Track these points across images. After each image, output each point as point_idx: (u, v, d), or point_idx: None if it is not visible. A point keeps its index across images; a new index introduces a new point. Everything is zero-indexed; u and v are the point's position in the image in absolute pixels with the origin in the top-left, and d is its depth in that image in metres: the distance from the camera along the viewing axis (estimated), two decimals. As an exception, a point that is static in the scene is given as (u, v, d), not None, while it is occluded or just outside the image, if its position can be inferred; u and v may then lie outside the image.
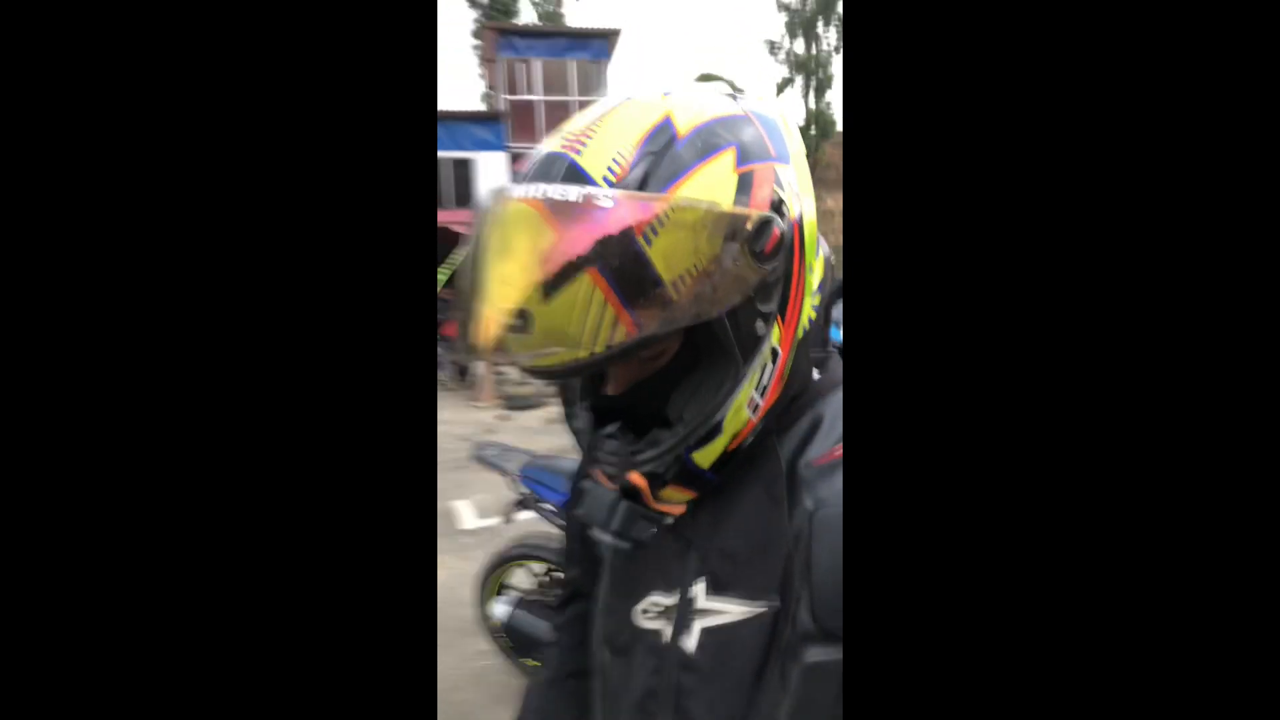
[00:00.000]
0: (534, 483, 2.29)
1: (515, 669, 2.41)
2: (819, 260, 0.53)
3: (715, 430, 0.49)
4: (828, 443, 0.52)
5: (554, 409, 7.22)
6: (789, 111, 0.55)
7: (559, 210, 0.42)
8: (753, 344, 0.48)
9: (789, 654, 0.48)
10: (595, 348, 0.42)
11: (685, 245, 0.42)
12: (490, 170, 14.54)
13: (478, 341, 0.44)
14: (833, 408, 0.54)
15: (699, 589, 0.52)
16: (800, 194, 0.50)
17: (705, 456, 0.50)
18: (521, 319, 0.42)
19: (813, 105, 20.89)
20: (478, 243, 0.45)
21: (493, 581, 2.47)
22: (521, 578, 2.49)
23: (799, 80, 20.84)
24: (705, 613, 0.52)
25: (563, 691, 0.67)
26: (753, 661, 0.50)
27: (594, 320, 0.41)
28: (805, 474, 0.51)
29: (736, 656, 0.51)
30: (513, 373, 8.96)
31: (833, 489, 0.49)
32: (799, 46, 21.07)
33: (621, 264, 0.41)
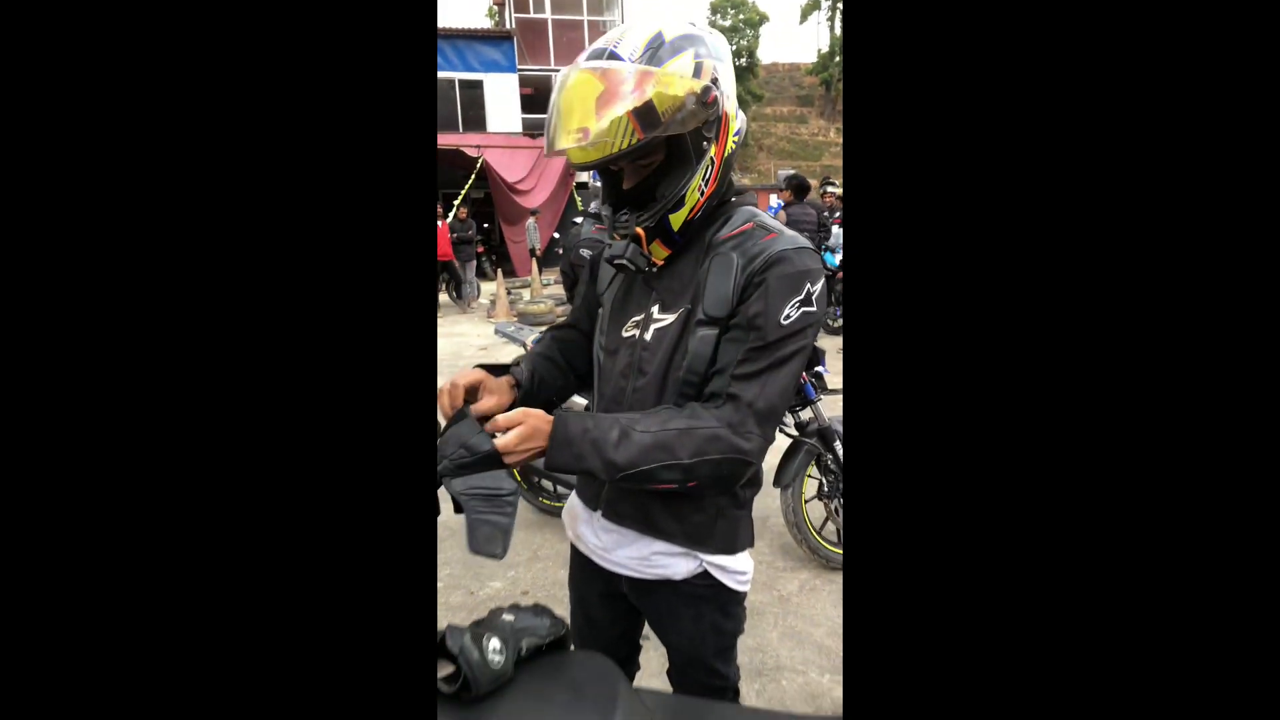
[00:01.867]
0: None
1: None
2: (735, 116, 0.90)
3: (680, 202, 0.88)
4: (729, 229, 0.91)
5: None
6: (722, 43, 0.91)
7: (606, 74, 0.80)
8: (700, 153, 0.87)
9: (689, 332, 0.89)
10: (622, 146, 0.79)
11: (669, 94, 0.80)
12: (500, 93, 14.26)
13: (559, 148, 0.82)
14: (739, 215, 0.92)
15: (655, 308, 0.94)
16: (723, 76, 0.87)
17: (675, 220, 0.89)
18: (583, 134, 0.79)
19: (838, 33, 20.11)
20: (558, 92, 0.83)
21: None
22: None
23: (825, 5, 20.02)
24: (657, 320, 0.93)
25: (550, 355, 1.09)
26: (674, 338, 0.91)
27: (623, 133, 0.79)
28: (713, 242, 0.91)
29: (667, 337, 0.91)
30: (526, 294, 9.27)
31: (725, 249, 0.88)
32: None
33: (637, 103, 0.79)
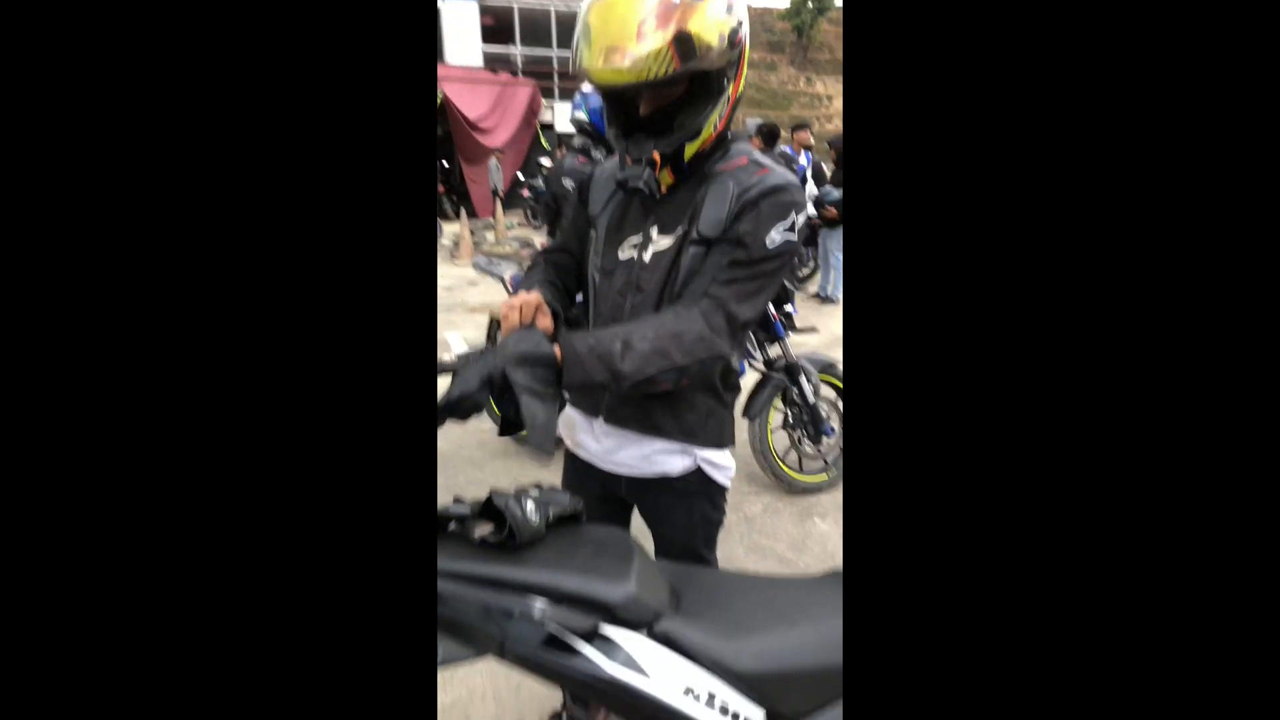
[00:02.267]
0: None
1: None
2: (746, 62, 0.96)
3: (697, 133, 0.94)
4: (726, 162, 0.98)
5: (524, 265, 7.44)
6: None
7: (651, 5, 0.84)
8: (721, 90, 0.93)
9: (684, 250, 0.97)
10: (660, 74, 0.84)
11: (706, 29, 0.85)
12: (459, 21, 13.52)
13: (592, 67, 0.85)
14: (735, 151, 1.00)
15: (654, 230, 1.00)
16: (744, 18, 0.92)
17: (689, 150, 0.95)
18: (620, 54, 0.83)
19: None
20: (591, 10, 0.86)
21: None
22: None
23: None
24: (655, 242, 1.00)
25: (553, 281, 1.12)
26: (672, 258, 0.98)
27: (662, 61, 0.83)
28: (710, 173, 0.98)
29: (665, 258, 0.99)
30: (490, 235, 9.09)
31: (723, 178, 0.96)
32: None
33: (679, 34, 0.83)
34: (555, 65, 15.08)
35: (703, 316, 0.92)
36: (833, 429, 2.49)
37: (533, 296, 0.92)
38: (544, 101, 13.20)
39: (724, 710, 0.69)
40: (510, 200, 11.46)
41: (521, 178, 12.01)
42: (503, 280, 2.79)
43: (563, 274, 1.14)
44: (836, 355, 2.68)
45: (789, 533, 2.31)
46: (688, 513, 1.12)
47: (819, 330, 4.49)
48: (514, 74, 13.51)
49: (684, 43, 0.83)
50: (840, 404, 2.53)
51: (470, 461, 2.83)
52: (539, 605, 0.65)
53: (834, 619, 0.77)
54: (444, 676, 1.57)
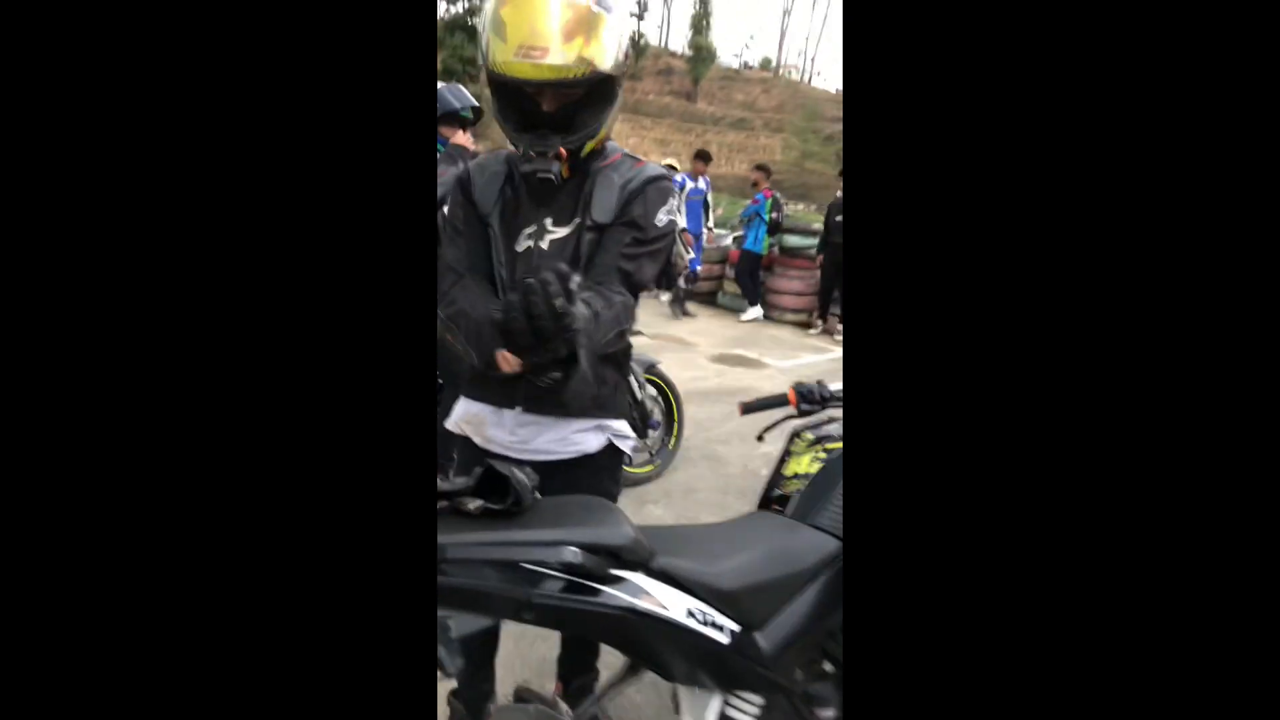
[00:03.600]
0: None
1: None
2: None
3: (596, 131, 1.03)
4: (604, 159, 1.09)
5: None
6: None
7: (573, 4, 0.92)
8: (615, 95, 1.04)
9: (582, 239, 1.06)
10: (578, 75, 0.93)
11: (617, 39, 0.96)
12: None
13: (507, 61, 0.92)
14: (609, 148, 1.10)
15: (548, 221, 1.08)
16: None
17: (588, 147, 1.04)
18: (541, 52, 0.91)
19: (692, 34, 20.43)
20: (505, 5, 0.92)
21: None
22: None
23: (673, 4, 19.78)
24: (551, 232, 1.08)
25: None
26: (570, 249, 1.06)
27: (580, 63, 0.93)
28: (593, 170, 1.08)
29: (564, 248, 1.07)
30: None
31: (604, 171, 1.07)
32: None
33: (598, 39, 0.93)
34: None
35: (622, 289, 1.04)
36: (657, 422, 2.73)
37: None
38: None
39: (715, 625, 0.80)
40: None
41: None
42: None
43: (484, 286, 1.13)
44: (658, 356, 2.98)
45: (741, 455, 2.83)
46: (593, 489, 1.19)
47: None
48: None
49: (600, 50, 0.94)
50: (660, 400, 2.79)
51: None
52: (571, 550, 0.69)
53: (770, 542, 0.93)
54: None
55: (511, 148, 1.10)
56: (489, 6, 0.95)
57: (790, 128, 17.00)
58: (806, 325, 6.17)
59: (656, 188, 1.08)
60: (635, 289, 1.07)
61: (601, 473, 1.18)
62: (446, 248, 1.11)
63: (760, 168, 6.55)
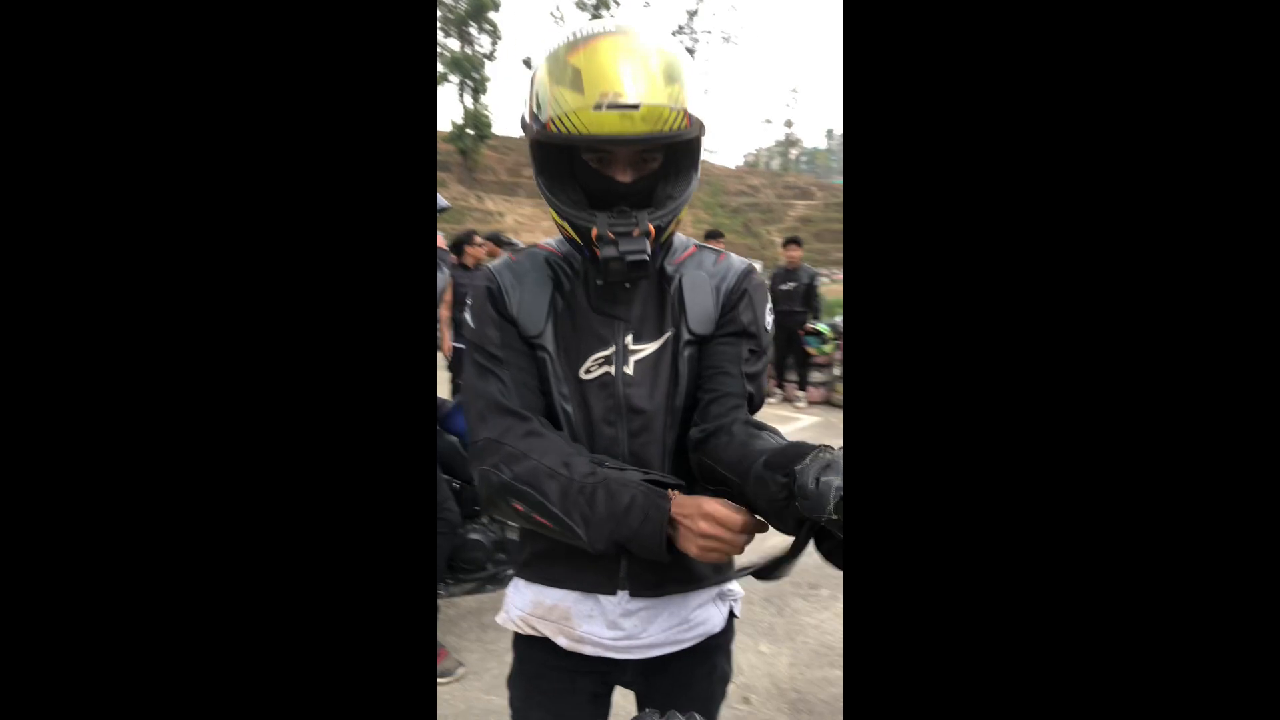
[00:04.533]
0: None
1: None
2: None
3: (680, 207, 0.79)
4: (676, 254, 0.87)
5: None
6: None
7: (662, 54, 0.73)
8: (695, 163, 0.80)
9: (678, 355, 0.84)
10: (674, 127, 0.72)
11: (696, 92, 0.75)
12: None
13: (584, 111, 0.70)
14: (677, 240, 0.89)
15: (628, 338, 0.83)
16: None
17: (669, 229, 0.80)
18: (635, 108, 0.70)
19: (469, 104, 21.15)
20: (596, 54, 0.71)
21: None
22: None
23: (454, 79, 20.89)
24: (635, 351, 0.83)
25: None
26: (665, 370, 0.83)
27: (675, 116, 0.72)
28: (669, 269, 0.86)
29: (656, 369, 0.83)
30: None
31: (686, 269, 0.86)
32: (454, 44, 21.11)
33: (687, 93, 0.73)
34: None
35: (747, 413, 0.82)
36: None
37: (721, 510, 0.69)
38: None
39: None
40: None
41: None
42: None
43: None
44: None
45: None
46: (708, 677, 0.92)
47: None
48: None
49: (686, 97, 0.72)
50: None
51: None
52: None
53: None
54: None
55: (545, 245, 0.87)
56: (550, 55, 0.73)
57: (698, 203, 17.86)
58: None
59: (756, 285, 0.88)
60: (756, 411, 0.84)
61: (715, 654, 0.90)
62: (477, 381, 0.81)
63: (712, 234, 6.34)
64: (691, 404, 0.83)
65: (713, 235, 6.03)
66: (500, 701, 0.98)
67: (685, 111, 0.72)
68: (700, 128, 0.75)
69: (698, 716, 0.58)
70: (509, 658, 0.93)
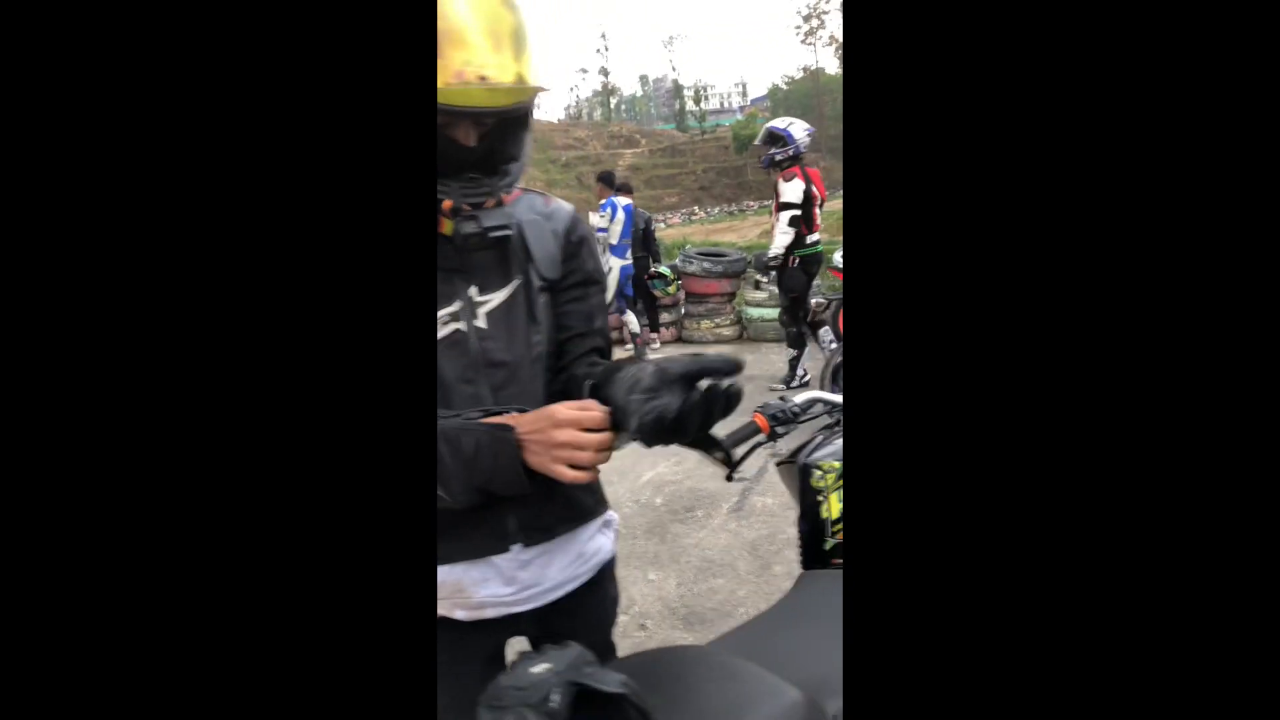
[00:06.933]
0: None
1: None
2: None
3: (521, 170, 0.80)
4: (537, 201, 0.87)
5: None
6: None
7: (513, 8, 0.72)
8: (529, 119, 0.80)
9: (533, 302, 0.82)
10: (527, 96, 0.73)
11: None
12: None
13: (456, 89, 0.68)
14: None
15: (473, 291, 0.81)
16: None
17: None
18: (497, 70, 0.69)
19: None
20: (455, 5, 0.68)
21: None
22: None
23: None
24: (482, 303, 0.81)
25: None
26: (520, 315, 0.81)
27: (520, 82, 0.71)
28: (520, 213, 0.83)
29: (510, 317, 0.81)
30: None
31: (532, 216, 0.84)
32: None
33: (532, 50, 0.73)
34: None
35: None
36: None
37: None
38: None
39: None
40: None
41: None
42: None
43: None
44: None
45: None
46: (601, 602, 0.94)
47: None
48: None
49: (529, 62, 0.72)
50: None
51: None
52: None
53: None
54: None
55: None
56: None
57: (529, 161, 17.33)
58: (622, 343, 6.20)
59: (589, 229, 0.90)
60: (607, 356, 0.88)
61: (606, 580, 0.93)
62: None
63: (603, 179, 5.74)
64: (558, 350, 0.84)
65: (604, 180, 5.40)
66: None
67: (525, 77, 0.72)
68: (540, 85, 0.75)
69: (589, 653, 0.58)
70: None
